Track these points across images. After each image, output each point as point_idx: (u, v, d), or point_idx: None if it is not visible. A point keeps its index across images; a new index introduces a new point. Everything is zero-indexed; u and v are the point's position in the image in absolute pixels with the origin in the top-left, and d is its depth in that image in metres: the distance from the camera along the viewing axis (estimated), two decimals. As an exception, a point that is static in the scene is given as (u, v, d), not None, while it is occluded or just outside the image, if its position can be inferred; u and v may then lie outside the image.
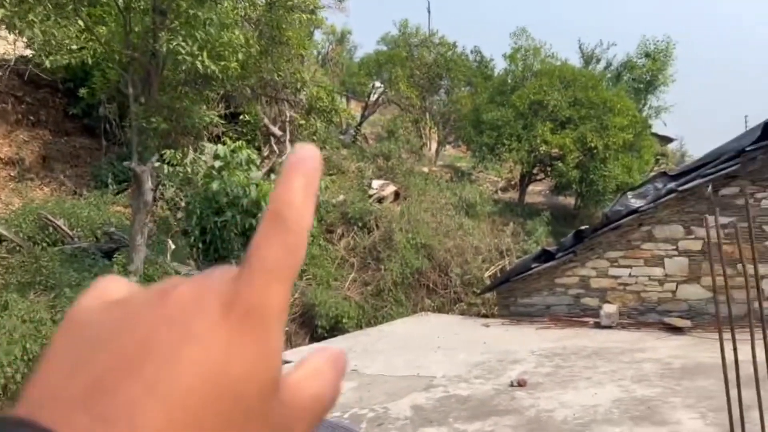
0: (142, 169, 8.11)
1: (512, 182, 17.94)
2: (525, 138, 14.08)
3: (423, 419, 5.33)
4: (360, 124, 16.60)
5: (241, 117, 13.29)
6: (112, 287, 0.30)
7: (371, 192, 13.29)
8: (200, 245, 10.28)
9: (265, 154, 13.35)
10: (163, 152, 11.04)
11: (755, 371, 3.98)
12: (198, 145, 10.95)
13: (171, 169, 10.60)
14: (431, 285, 11.36)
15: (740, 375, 3.93)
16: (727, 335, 4.03)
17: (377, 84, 16.51)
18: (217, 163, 10.82)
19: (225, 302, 0.27)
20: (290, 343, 9.43)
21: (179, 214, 10.94)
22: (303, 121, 11.47)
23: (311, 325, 9.71)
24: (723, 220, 5.56)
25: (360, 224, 11.87)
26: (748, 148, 7.97)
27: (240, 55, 8.56)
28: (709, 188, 8.16)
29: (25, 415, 0.25)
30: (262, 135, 13.60)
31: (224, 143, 11.03)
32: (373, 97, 16.49)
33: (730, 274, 4.18)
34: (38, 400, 0.26)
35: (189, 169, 10.66)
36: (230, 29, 8.45)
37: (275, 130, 13.34)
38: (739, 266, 4.40)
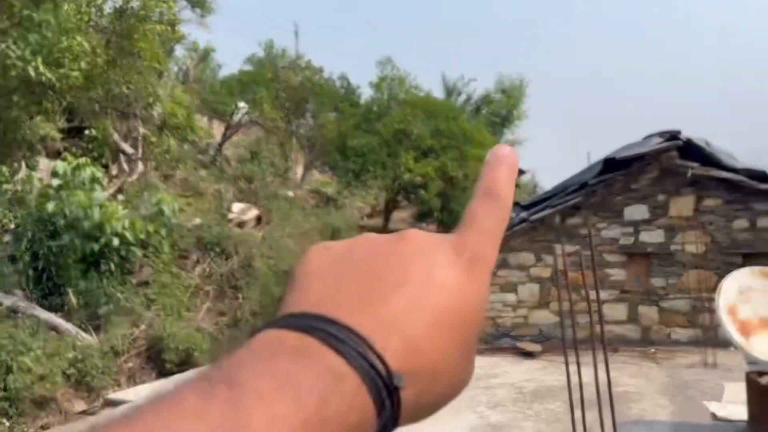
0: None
1: (377, 209, 18.12)
2: (389, 165, 14.27)
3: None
4: (221, 144, 15.93)
5: (87, 132, 12.17)
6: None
7: (231, 216, 12.68)
8: (31, 272, 9.12)
9: (114, 172, 12.30)
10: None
11: (597, 393, 4.14)
12: (31, 160, 9.82)
13: (-3, 186, 9.40)
14: (293, 313, 10.98)
15: (584, 397, 4.06)
16: (572, 358, 4.16)
17: (241, 104, 15.99)
18: (55, 182, 9.75)
19: (455, 246, 0.35)
20: (134, 380, 8.58)
21: (6, 237, 9.66)
22: (155, 138, 10.69)
23: (158, 360, 8.91)
24: (569, 248, 5.85)
25: (217, 250, 11.22)
26: (590, 182, 8.58)
27: (83, 64, 7.79)
28: (557, 218, 8.67)
29: (308, 312, 0.32)
30: (111, 152, 12.53)
31: (65, 159, 9.98)
32: (236, 118, 15.92)
33: (574, 299, 4.35)
34: (313, 304, 0.32)
35: (19, 187, 9.50)
36: (72, 35, 7.67)
37: (126, 147, 12.36)
38: (583, 292, 4.59)
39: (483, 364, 8.00)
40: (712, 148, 8.31)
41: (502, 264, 8.98)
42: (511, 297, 8.93)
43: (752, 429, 4.87)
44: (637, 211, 8.46)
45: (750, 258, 7.76)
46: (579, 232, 8.50)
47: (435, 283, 0.33)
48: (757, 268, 5.22)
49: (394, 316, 0.31)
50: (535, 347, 8.38)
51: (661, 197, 8.36)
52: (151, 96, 10.75)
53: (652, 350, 8.05)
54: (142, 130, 11.95)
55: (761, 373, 4.93)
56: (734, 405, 5.50)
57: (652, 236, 8.40)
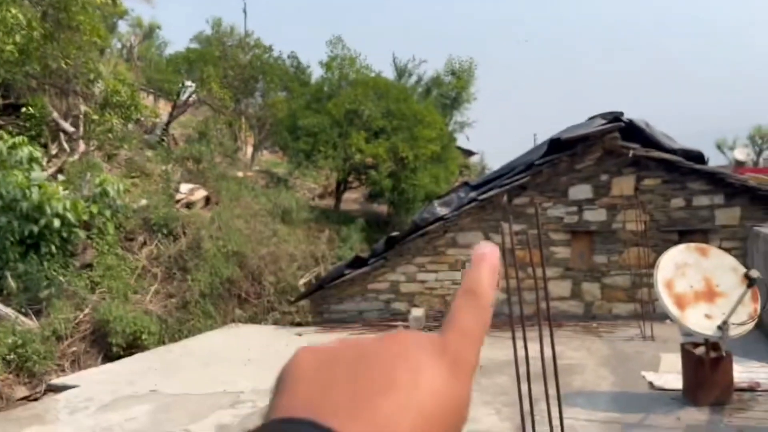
0: None
1: (329, 189, 18.06)
2: (340, 146, 14.22)
3: (227, 439, 4.96)
4: (168, 124, 15.51)
5: (23, 109, 11.64)
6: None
7: (179, 197, 12.41)
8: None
9: (54, 152, 11.83)
10: None
11: (542, 366, 4.30)
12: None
13: (-74, 165, 8.92)
14: (243, 294, 10.89)
15: (530, 370, 4.20)
16: (519, 333, 4.30)
17: (188, 83, 15.56)
18: (-10, 161, 9.31)
19: (439, 349, 0.36)
20: (78, 365, 8.38)
21: (-62, 219, 9.19)
22: (96, 117, 10.33)
23: (104, 343, 8.71)
24: (516, 227, 6.01)
25: (165, 231, 11.00)
26: (536, 162, 8.79)
27: (18, 37, 7.43)
28: (505, 198, 8.85)
29: (297, 417, 0.32)
30: (50, 131, 12.03)
31: (0, 138, 9.54)
32: (183, 97, 15.50)
33: (521, 276, 4.47)
34: (301, 408, 0.33)
35: (-49, 166, 9.04)
36: (5, 6, 7.29)
37: (66, 125, 11.91)
38: (529, 270, 4.73)
39: (433, 341, 8.15)
40: (651, 130, 8.63)
41: (452, 243, 9.13)
42: (459, 275, 9.10)
43: (686, 397, 5.15)
44: (580, 191, 8.73)
45: (686, 235, 8.15)
46: (525, 211, 8.71)
47: (421, 386, 0.34)
48: (692, 245, 5.48)
49: (382, 420, 0.32)
50: (484, 324, 8.59)
51: (603, 177, 8.65)
52: (92, 72, 10.35)
53: (595, 325, 8.37)
54: (83, 108, 11.51)
55: (695, 344, 5.20)
56: (670, 375, 5.80)
57: (595, 215, 8.69)
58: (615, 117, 8.74)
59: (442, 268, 9.15)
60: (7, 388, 7.21)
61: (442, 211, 9.10)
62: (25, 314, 8.54)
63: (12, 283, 8.72)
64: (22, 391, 7.35)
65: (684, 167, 8.30)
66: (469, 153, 24.29)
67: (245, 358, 7.63)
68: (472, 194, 9.06)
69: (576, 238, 8.78)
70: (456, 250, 9.09)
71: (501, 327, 8.43)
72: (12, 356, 7.52)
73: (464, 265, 9.08)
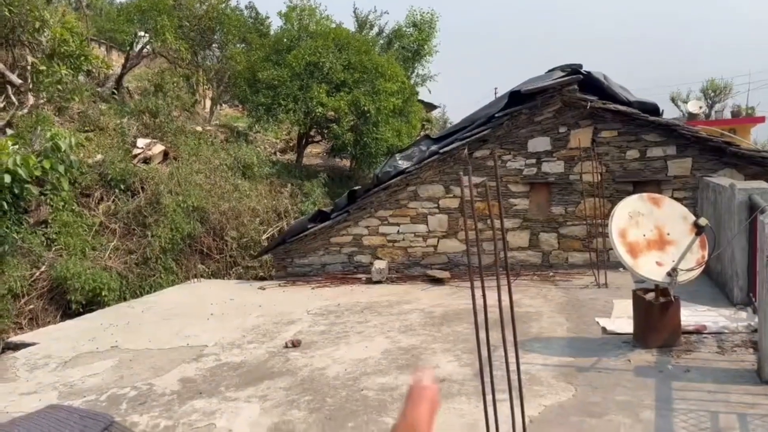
0: None
1: (290, 144, 17.83)
2: (301, 99, 13.97)
3: (192, 391, 5.02)
4: (121, 76, 14.95)
5: (-35, 60, 11.06)
6: None
7: (136, 152, 12.09)
8: None
9: (1, 105, 11.33)
10: None
11: (500, 314, 4.43)
12: None
13: None
14: (205, 250, 10.81)
15: (488, 318, 4.33)
16: (478, 283, 4.40)
17: (141, 33, 14.95)
18: (-68, 114, 8.88)
19: None
20: (36, 322, 8.26)
21: None
22: (44, 68, 9.88)
23: (63, 300, 8.59)
24: (476, 179, 6.07)
25: (122, 187, 10.75)
26: (497, 115, 8.83)
27: (-45, -18, 6.98)
28: (465, 151, 8.90)
29: None
30: (-5, 83, 11.49)
31: (-59, 90, 9.08)
32: (136, 48, 14.91)
33: (481, 228, 4.56)
34: None
35: None
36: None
37: (13, 78, 11.37)
38: (489, 221, 4.82)
39: (395, 291, 8.29)
40: (609, 82, 8.73)
41: (413, 197, 9.19)
42: (421, 228, 9.21)
43: (637, 340, 5.39)
44: (539, 143, 8.84)
45: (640, 186, 8.38)
46: (486, 164, 8.80)
47: None
48: (645, 195, 5.64)
49: None
50: (444, 274, 8.75)
51: (562, 129, 8.76)
52: (37, 21, 9.85)
53: (551, 274, 8.62)
54: (30, 58, 10.99)
55: (646, 290, 5.42)
56: (622, 320, 6.04)
57: (553, 167, 8.84)
58: (573, 70, 8.80)
59: (404, 221, 9.24)
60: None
61: (403, 164, 9.12)
62: (-22, 273, 8.32)
63: (-38, 241, 8.45)
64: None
65: (639, 119, 8.46)
66: (431, 106, 24.20)
67: (208, 312, 7.65)
68: (434, 147, 9.09)
69: (534, 190, 8.94)
70: (417, 203, 9.16)
71: (461, 277, 8.64)
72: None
73: (426, 219, 9.19)
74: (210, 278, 10.35)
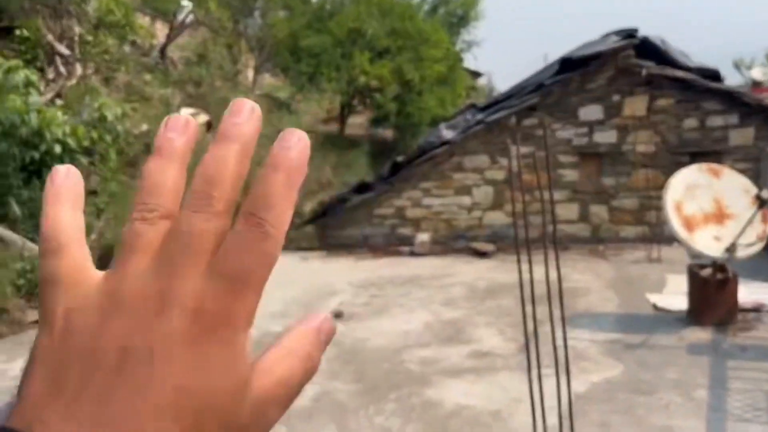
0: None
1: (333, 114, 17.74)
2: (344, 67, 13.81)
3: (235, 360, 5.06)
4: (165, 46, 15.06)
5: (17, 32, 11.29)
6: (74, 264, 0.29)
7: (181, 122, 12.21)
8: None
9: (51, 76, 11.56)
10: None
11: (547, 287, 4.28)
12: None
13: None
14: (248, 220, 10.90)
15: (534, 293, 4.20)
16: (524, 257, 4.26)
17: (184, 3, 14.98)
18: (-14, 86, 9.11)
19: (190, 313, 0.26)
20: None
21: (-62, 146, 9.10)
22: (90, 37, 10.00)
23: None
24: (524, 150, 5.86)
25: (168, 156, 10.88)
26: (546, 82, 8.51)
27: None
28: (513, 120, 8.64)
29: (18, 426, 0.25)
30: (46, 54, 11.71)
31: (-6, 62, 9.29)
32: (180, 17, 14.96)
33: (528, 200, 4.38)
34: (31, 406, 0.26)
35: (-53, 91, 8.85)
36: None
37: (62, 48, 11.56)
38: (536, 193, 4.64)
39: (437, 265, 8.18)
40: (667, 47, 8.28)
41: (458, 168, 8.99)
42: (466, 200, 9.02)
43: (691, 317, 5.17)
44: (591, 112, 8.48)
45: (698, 157, 7.96)
46: (534, 133, 8.51)
47: (156, 375, 0.25)
48: (704, 165, 5.35)
49: (107, 422, 0.24)
50: (489, 247, 8.58)
51: (615, 97, 8.38)
52: (83, -9, 9.95)
53: (601, 248, 8.36)
54: (77, 29, 11.14)
55: (702, 266, 5.17)
56: (674, 296, 5.81)
57: (605, 136, 8.49)
58: (629, 34, 8.37)
59: (447, 193, 9.06)
60: (18, 312, 7.33)
61: (448, 134, 8.91)
62: (32, 240, 8.59)
63: (17, 210, 8.72)
64: (33, 315, 7.47)
65: (699, 86, 8.02)
66: (476, 74, 23.67)
67: (251, 282, 7.71)
68: (480, 116, 8.85)
69: (585, 161, 8.62)
70: (462, 175, 8.97)
71: (506, 250, 8.46)
72: (21, 281, 7.60)
73: (470, 191, 8.99)
74: (253, 248, 10.45)
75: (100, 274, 0.30)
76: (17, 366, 5.19)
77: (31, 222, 8.75)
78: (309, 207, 11.52)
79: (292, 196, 0.28)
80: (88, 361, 0.26)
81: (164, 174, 0.28)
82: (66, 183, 0.30)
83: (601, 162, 8.56)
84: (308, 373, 0.29)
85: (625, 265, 7.46)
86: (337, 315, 6.00)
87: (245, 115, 0.29)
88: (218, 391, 0.26)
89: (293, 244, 10.68)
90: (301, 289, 7.23)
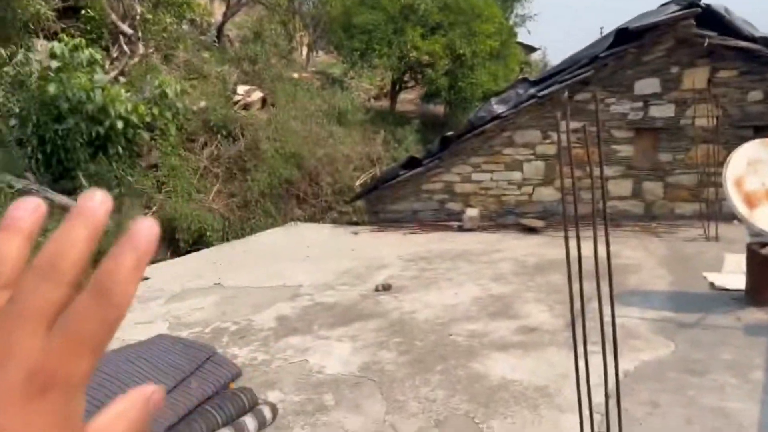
0: (-48, 67, 6.91)
1: (384, 90, 17.74)
2: (396, 43, 13.78)
3: (287, 328, 5.25)
4: (223, 24, 15.36)
5: (82, 12, 11.75)
6: None
7: (236, 98, 12.51)
8: (39, 156, 9.21)
9: (115, 55, 12.01)
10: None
11: (596, 264, 4.26)
12: (25, 41, 9.57)
13: (-5, 69, 9.24)
14: (302, 195, 11.13)
15: (583, 269, 4.19)
16: (573, 233, 4.24)
17: (240, -20, 15.21)
18: (54, 64, 9.56)
19: (28, 369, 0.26)
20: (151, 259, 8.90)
21: (12, 122, 9.64)
22: (150, 16, 10.32)
23: (172, 239, 9.20)
24: (576, 124, 5.78)
25: (224, 132, 11.20)
26: (601, 55, 8.29)
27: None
28: (565, 94, 8.47)
29: None
30: (110, 33, 12.16)
31: (61, 41, 9.72)
32: (236, -5, 15.21)
33: (579, 176, 4.33)
34: None
35: (19, 70, 9.33)
36: None
37: (124, 27, 11.96)
38: (588, 168, 4.59)
39: (486, 240, 8.19)
40: (731, 16, 7.90)
41: (508, 143, 8.91)
42: (516, 175, 8.95)
43: (749, 297, 5.03)
44: (648, 85, 8.22)
45: (762, 131, 7.62)
46: (587, 107, 8.34)
47: None
48: (767, 140, 5.15)
49: None
50: (539, 223, 8.52)
51: (674, 69, 8.09)
52: (143, -30, 10.25)
53: (654, 225, 8.17)
54: (138, 8, 11.50)
55: (763, 244, 5.01)
56: (733, 275, 5.65)
57: (662, 110, 8.22)
58: (691, 3, 8.03)
59: (498, 168, 9.01)
60: (87, 279, 7.78)
61: (499, 109, 8.82)
62: (99, 212, 9.05)
63: (84, 183, 9.18)
64: (100, 283, 7.91)
65: (765, 57, 7.64)
66: (530, 49, 23.14)
67: (304, 254, 7.91)
68: (532, 91, 8.71)
69: (640, 136, 8.39)
70: (513, 150, 8.89)
71: (556, 227, 8.38)
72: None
73: (521, 166, 8.91)
74: (306, 222, 10.68)
75: None
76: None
77: (97, 195, 9.21)
78: (359, 182, 11.67)
79: (138, 277, 0.29)
80: None
81: (9, 246, 0.30)
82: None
83: (658, 137, 8.32)
84: None
85: (680, 243, 7.28)
86: (386, 288, 6.12)
87: (98, 201, 0.31)
88: None
89: (345, 217, 10.88)
90: (352, 262, 7.38)
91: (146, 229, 0.31)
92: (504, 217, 9.05)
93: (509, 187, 8.98)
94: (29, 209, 0.30)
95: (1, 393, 0.26)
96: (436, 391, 3.94)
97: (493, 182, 9.06)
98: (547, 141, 8.69)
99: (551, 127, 8.51)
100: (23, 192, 8.44)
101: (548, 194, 8.83)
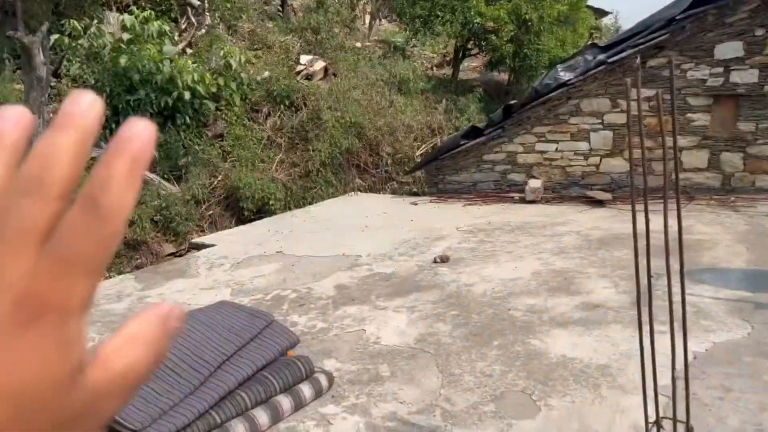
0: (30, 40, 7.22)
1: (446, 58, 17.39)
2: (459, 10, 13.41)
3: (345, 297, 5.30)
4: (286, -7, 15.39)
5: (151, -16, 12.02)
6: None
7: (299, 68, 12.56)
8: (113, 126, 9.58)
9: (183, 26, 12.26)
10: (62, 22, 9.97)
11: (665, 238, 4.06)
12: (98, 14, 9.88)
13: (71, 41, 9.60)
14: (362, 165, 11.14)
15: (652, 245, 3.99)
16: (642, 206, 4.04)
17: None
18: (125, 36, 9.87)
19: (18, 294, 0.24)
20: (215, 226, 9.17)
21: (87, 94, 10.03)
22: (214, -14, 10.45)
23: (237, 207, 9.42)
24: (648, 92, 5.47)
25: (287, 103, 11.29)
26: (677, 17, 7.79)
27: None
28: (637, 60, 8.03)
29: None
30: (178, 5, 12.42)
31: (132, 13, 10.00)
32: (299, -36, 15.18)
33: (651, 146, 4.11)
34: None
35: (93, 42, 9.67)
36: None
37: (192, -1, 12.18)
38: (660, 138, 4.34)
39: (549, 212, 7.97)
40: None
41: (575, 111, 8.57)
42: (582, 145, 8.61)
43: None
44: (729, 49, 7.67)
45: None
46: (661, 74, 7.88)
47: None
48: None
49: None
50: (605, 196, 8.20)
51: (759, 32, 7.50)
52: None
53: (733, 198, 7.71)
54: (204, -21, 11.66)
55: None
56: (816, 254, 5.28)
57: (744, 76, 7.67)
58: (782, -41, 7.40)
59: (563, 138, 8.69)
60: (156, 245, 8.11)
61: (566, 76, 8.47)
62: (168, 180, 9.36)
63: (154, 152, 9.50)
64: (169, 248, 8.24)
65: None
66: (600, 13, 22.07)
67: (363, 224, 7.94)
68: (601, 57, 8.30)
69: (718, 103, 7.88)
70: (579, 119, 8.54)
71: (624, 200, 8.05)
72: (158, 217, 8.36)
73: (588, 136, 8.58)
74: (366, 192, 10.70)
75: None
76: (154, 293, 5.78)
77: (167, 163, 9.53)
78: (420, 152, 11.55)
79: (135, 183, 0.26)
80: None
81: None
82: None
83: (738, 105, 7.79)
84: (154, 362, 0.28)
85: (761, 218, 6.86)
86: (444, 259, 6.07)
87: (84, 106, 0.26)
88: (43, 381, 0.25)
89: (404, 188, 10.83)
90: (410, 232, 7.35)
91: (140, 129, 0.26)
92: (568, 189, 8.76)
93: (575, 157, 8.66)
94: (13, 120, 0.27)
95: (16, 326, 0.24)
96: (493, 366, 3.89)
97: (557, 153, 8.76)
98: (617, 109, 8.30)
99: (621, 95, 8.11)
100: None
101: (616, 165, 8.48)
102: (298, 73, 12.43)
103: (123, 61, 9.28)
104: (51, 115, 9.10)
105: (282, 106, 11.31)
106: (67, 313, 0.25)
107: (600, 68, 8.21)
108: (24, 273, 0.25)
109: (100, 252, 0.25)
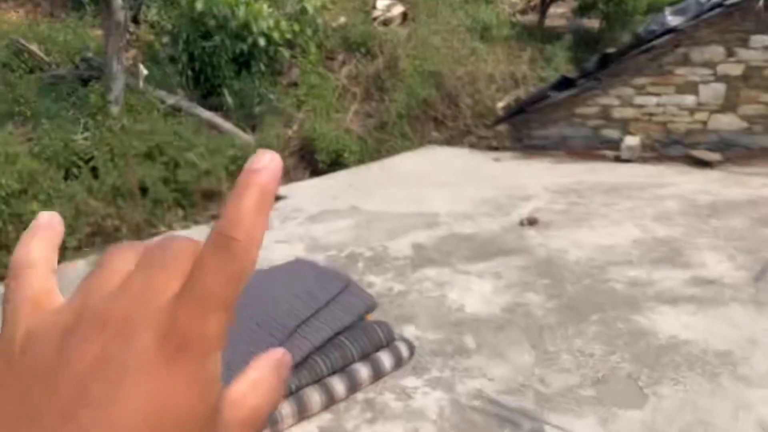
0: (108, -17, 7.09)
1: (531, 3, 16.33)
2: (549, -51, 12.41)
3: (423, 259, 4.98)
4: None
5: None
6: (38, 287, 0.28)
7: (376, 14, 12.02)
8: (189, 73, 9.48)
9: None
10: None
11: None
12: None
13: (149, -15, 9.48)
14: (440, 117, 10.62)
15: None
16: (761, 169, 3.46)
17: None
18: (201, -20, 9.63)
19: (160, 333, 0.26)
20: (289, 177, 9.00)
21: (165, 39, 9.96)
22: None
23: (311, 159, 9.20)
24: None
25: (363, 50, 10.84)
26: (816, -49, 6.75)
27: None
28: (760, 2, 7.08)
29: None
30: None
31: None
32: None
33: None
34: None
35: (169, -13, 9.52)
36: None
37: (267, -59, 11.77)
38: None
39: (647, 173, 7.28)
40: None
41: (683, 61, 7.70)
42: (689, 99, 7.76)
43: None
44: None
45: None
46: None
47: (121, 398, 0.24)
48: None
49: None
50: (714, 156, 7.40)
51: None
52: None
53: None
54: None
55: None
56: None
57: None
58: None
59: (666, 91, 7.86)
60: (230, 194, 8.02)
61: (674, 21, 7.58)
62: (242, 129, 9.22)
63: (229, 100, 9.35)
64: (243, 199, 8.12)
65: None
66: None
67: (440, 180, 7.54)
68: (717, -1, 7.37)
69: None
70: (687, 69, 7.67)
71: (735, 161, 7.24)
72: (233, 167, 8.24)
73: (696, 89, 7.71)
74: (443, 145, 10.23)
75: (64, 299, 0.28)
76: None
77: (242, 111, 9.37)
78: (502, 104, 10.91)
79: (264, 217, 0.27)
80: (49, 382, 0.25)
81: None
82: (46, 225, 0.30)
83: None
84: (274, 404, 0.29)
85: None
86: (532, 222, 5.61)
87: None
88: (189, 414, 0.25)
89: (484, 142, 10.28)
90: (492, 190, 6.90)
91: (267, 162, 0.27)
92: (670, 148, 7.98)
93: (679, 112, 7.83)
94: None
95: (137, 358, 0.24)
96: (593, 345, 3.49)
97: (659, 107, 7.95)
98: (732, 59, 7.38)
99: (739, 43, 7.20)
100: (175, 108, 8.75)
101: (728, 122, 7.61)
102: (375, 18, 11.91)
103: (199, 5, 9.08)
104: (129, 60, 9.08)
105: (358, 53, 10.88)
106: (207, 349, 0.26)
107: (715, 12, 7.28)
108: (167, 310, 0.25)
109: (231, 290, 0.26)
